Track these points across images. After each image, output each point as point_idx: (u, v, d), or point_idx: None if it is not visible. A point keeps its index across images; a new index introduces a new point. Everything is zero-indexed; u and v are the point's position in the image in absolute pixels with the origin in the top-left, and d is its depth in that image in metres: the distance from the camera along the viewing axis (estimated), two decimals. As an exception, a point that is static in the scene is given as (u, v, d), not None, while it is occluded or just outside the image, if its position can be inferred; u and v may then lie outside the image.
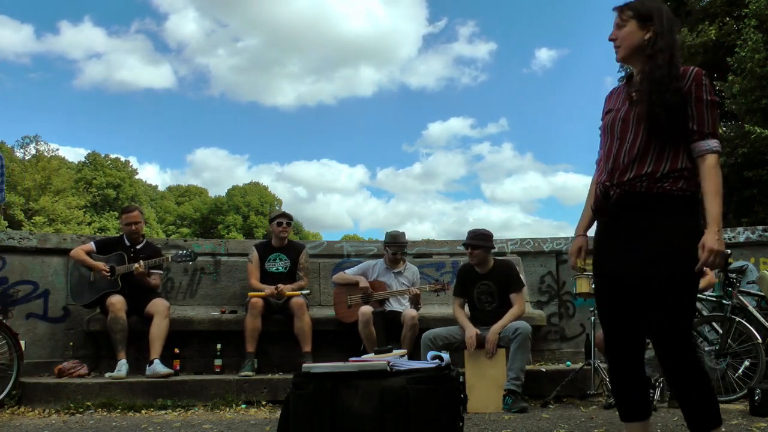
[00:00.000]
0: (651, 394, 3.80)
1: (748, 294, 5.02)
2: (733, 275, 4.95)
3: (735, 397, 4.55)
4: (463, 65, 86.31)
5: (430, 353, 2.65)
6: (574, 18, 79.71)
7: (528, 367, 4.82)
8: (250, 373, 5.11)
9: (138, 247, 5.59)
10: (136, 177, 48.32)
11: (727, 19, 15.25)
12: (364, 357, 2.82)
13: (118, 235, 5.90)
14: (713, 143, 2.24)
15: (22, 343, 5.01)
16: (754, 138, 12.78)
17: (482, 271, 4.99)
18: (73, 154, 72.99)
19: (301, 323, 5.36)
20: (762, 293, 4.99)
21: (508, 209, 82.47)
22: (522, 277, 5.40)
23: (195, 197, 54.18)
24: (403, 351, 2.94)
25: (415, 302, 5.47)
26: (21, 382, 4.80)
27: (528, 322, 4.87)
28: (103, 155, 45.52)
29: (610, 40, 2.39)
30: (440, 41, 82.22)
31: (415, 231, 74.72)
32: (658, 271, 2.20)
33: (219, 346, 5.47)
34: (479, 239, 4.95)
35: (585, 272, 4.23)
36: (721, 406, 2.37)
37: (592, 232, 2.54)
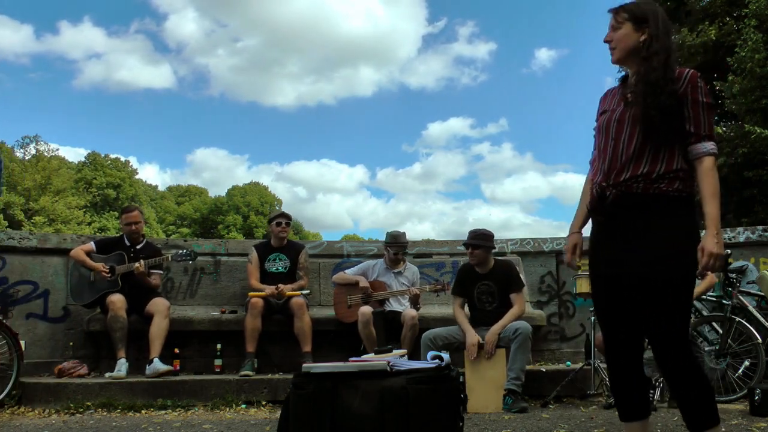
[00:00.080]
0: (651, 395, 3.81)
1: (748, 294, 5.02)
2: (733, 275, 4.95)
3: (735, 397, 4.54)
4: (462, 65, 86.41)
5: (430, 353, 2.66)
6: (574, 18, 79.82)
7: (528, 367, 4.81)
8: (250, 373, 5.10)
9: (138, 247, 5.59)
10: (136, 177, 48.36)
11: (727, 19, 15.23)
12: (364, 357, 2.82)
13: (118, 235, 5.90)
14: (710, 145, 2.25)
15: (22, 343, 5.01)
16: (754, 138, 12.77)
17: (482, 271, 4.99)
18: (73, 154, 73.10)
19: (301, 323, 5.36)
20: (762, 293, 4.99)
21: (507, 209, 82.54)
22: (522, 277, 5.40)
23: (195, 197, 54.18)
24: (403, 351, 2.94)
25: (415, 302, 5.48)
26: (21, 382, 4.80)
27: (528, 322, 4.87)
28: (103, 155, 45.55)
29: (606, 41, 2.40)
30: (440, 41, 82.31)
31: (415, 231, 74.81)
32: (656, 271, 2.20)
33: (219, 346, 5.48)
34: (480, 239, 4.95)
35: (584, 272, 4.23)
36: (721, 406, 2.37)
37: (586, 231, 2.55)
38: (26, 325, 5.62)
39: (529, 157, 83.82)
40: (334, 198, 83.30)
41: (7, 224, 32.49)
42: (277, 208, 48.69)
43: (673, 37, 2.45)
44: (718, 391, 4.55)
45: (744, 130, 13.11)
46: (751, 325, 4.67)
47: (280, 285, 5.49)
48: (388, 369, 2.35)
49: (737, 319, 4.69)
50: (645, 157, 2.26)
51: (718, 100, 14.43)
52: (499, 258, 5.30)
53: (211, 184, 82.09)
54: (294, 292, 5.51)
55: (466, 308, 5.09)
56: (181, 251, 5.57)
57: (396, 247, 5.58)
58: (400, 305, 5.54)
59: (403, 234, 5.69)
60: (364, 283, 5.50)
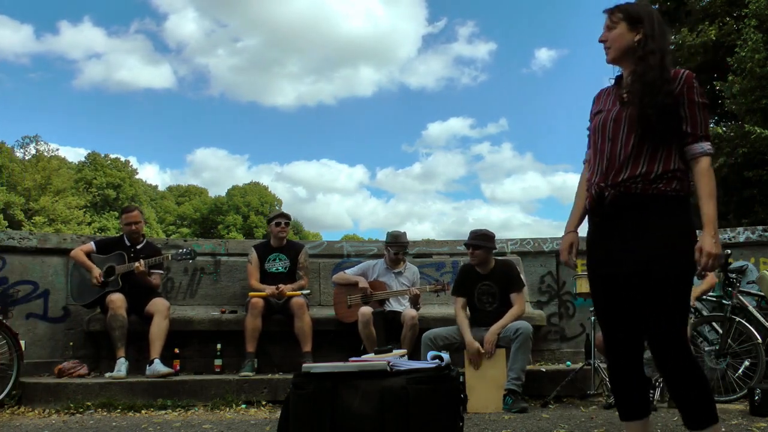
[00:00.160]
0: (651, 394, 3.80)
1: (748, 294, 5.02)
2: (733, 275, 4.95)
3: (735, 397, 4.54)
4: (462, 65, 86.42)
5: (430, 353, 2.66)
6: (574, 18, 79.65)
7: (528, 367, 4.81)
8: (250, 373, 5.10)
9: (138, 246, 5.59)
10: (136, 177, 48.36)
11: (727, 19, 15.23)
12: (364, 357, 2.82)
13: (118, 235, 5.90)
14: (706, 146, 2.26)
15: (22, 343, 5.01)
16: (754, 138, 12.76)
17: (483, 272, 4.99)
18: (73, 154, 73.18)
19: (301, 323, 5.36)
20: (762, 293, 4.99)
21: (507, 209, 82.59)
22: (522, 277, 5.40)
23: (195, 197, 54.19)
24: (403, 351, 2.94)
25: (415, 302, 5.47)
26: (21, 382, 4.81)
27: (528, 322, 4.87)
28: (103, 155, 45.54)
29: (601, 41, 2.41)
30: (440, 41, 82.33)
31: (415, 231, 74.78)
32: (654, 271, 2.21)
33: (219, 346, 5.47)
34: (481, 239, 4.95)
35: (584, 272, 4.23)
36: (721, 406, 2.38)
37: (582, 230, 2.55)
38: (26, 325, 5.62)
39: (528, 157, 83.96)
40: (334, 198, 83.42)
41: (7, 224, 32.49)
42: (276, 208, 48.68)
43: (669, 38, 2.45)
44: (718, 391, 4.56)
45: (744, 130, 13.10)
46: (751, 325, 4.67)
47: (280, 285, 5.49)
48: (388, 369, 2.35)
49: (737, 319, 4.69)
50: (643, 157, 2.27)
51: (718, 100, 14.43)
52: (500, 258, 5.30)
53: (211, 184, 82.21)
54: (294, 292, 5.51)
55: (468, 309, 5.09)
56: (181, 250, 5.57)
57: (396, 246, 5.58)
58: (400, 305, 5.54)
59: (404, 234, 5.69)
60: (363, 283, 5.49)
